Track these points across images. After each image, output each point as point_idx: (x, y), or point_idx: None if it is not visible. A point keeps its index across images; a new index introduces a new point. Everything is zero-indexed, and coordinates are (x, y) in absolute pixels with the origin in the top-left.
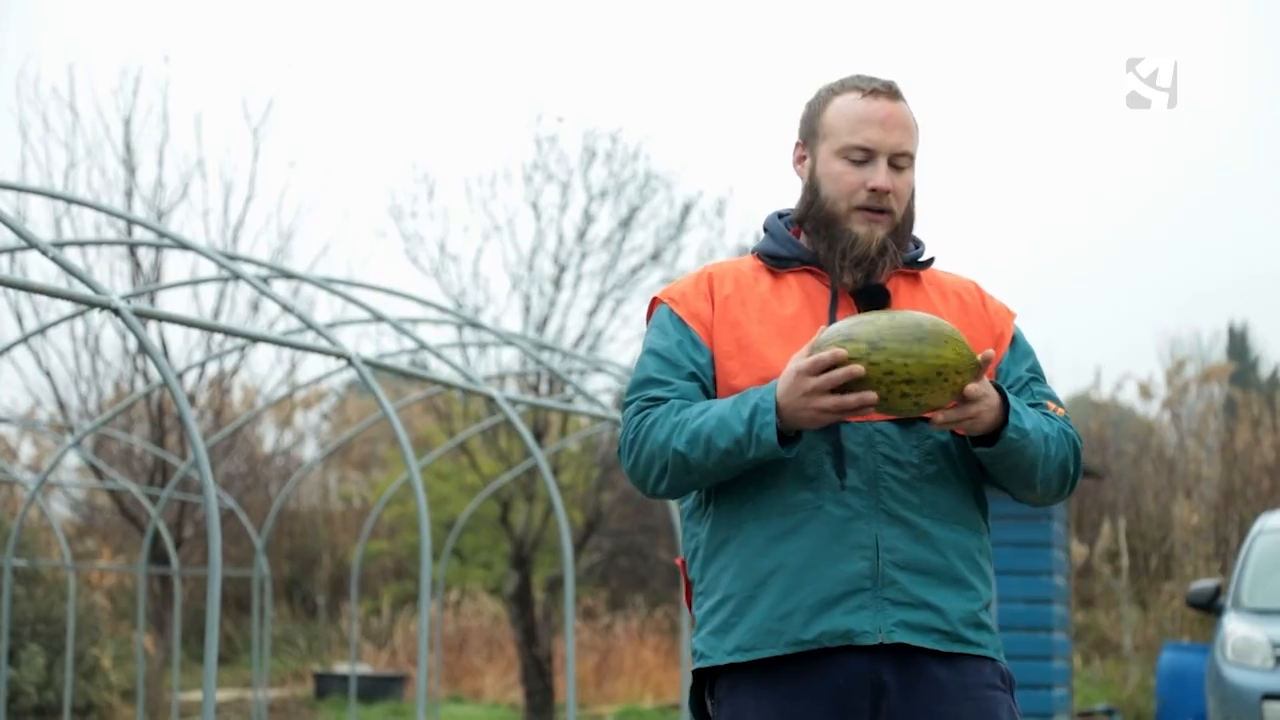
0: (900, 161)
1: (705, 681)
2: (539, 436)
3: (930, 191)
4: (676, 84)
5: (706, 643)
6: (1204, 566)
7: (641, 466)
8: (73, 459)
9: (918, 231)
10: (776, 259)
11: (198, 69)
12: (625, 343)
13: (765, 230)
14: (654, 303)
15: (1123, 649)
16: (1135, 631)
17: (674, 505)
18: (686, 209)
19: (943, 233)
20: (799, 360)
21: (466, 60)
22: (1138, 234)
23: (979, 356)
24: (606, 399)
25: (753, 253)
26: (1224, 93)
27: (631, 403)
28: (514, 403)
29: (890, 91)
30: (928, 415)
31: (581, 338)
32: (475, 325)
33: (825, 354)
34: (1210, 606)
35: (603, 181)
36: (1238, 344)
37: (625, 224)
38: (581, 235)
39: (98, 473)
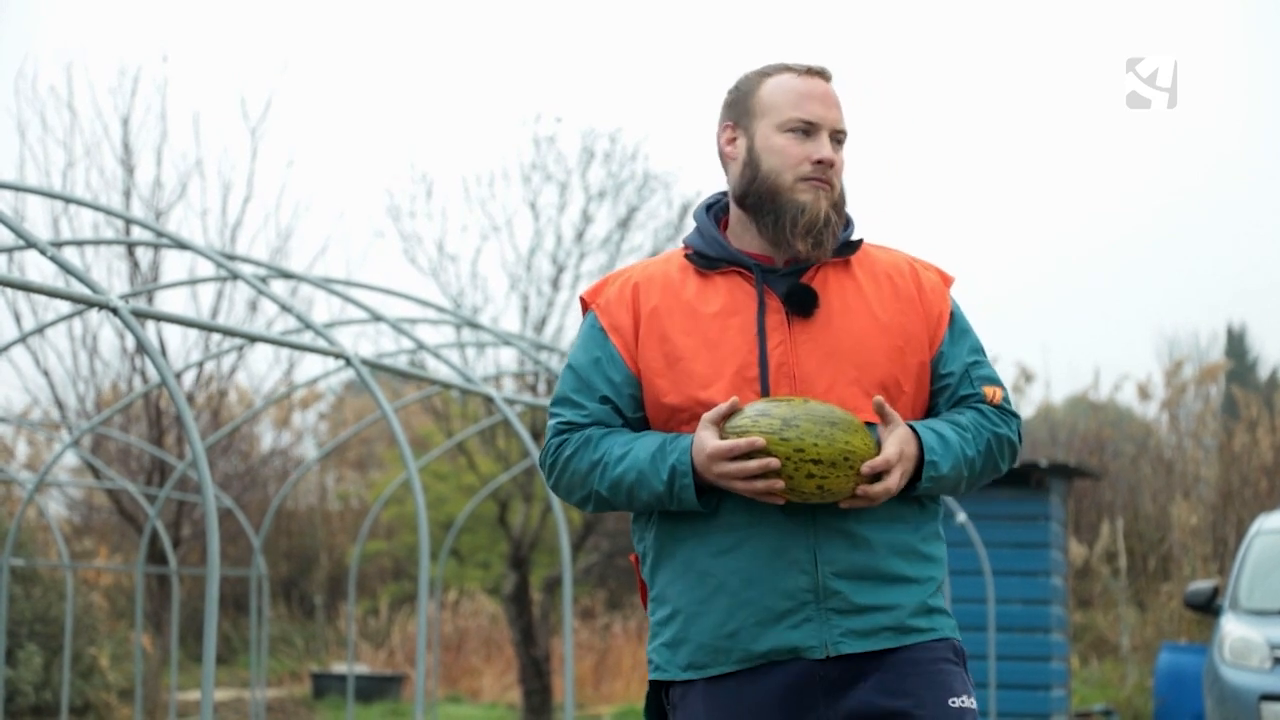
0: (838, 137)
1: (661, 688)
2: (537, 437)
3: (930, 191)
4: (675, 84)
5: (661, 654)
6: (1202, 567)
7: (563, 490)
8: (70, 458)
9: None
10: (705, 259)
11: (196, 69)
12: None
13: (695, 222)
14: (583, 301)
15: (1121, 650)
16: (1133, 632)
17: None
18: (685, 209)
19: (940, 232)
20: (712, 438)
21: (465, 60)
22: (1136, 235)
23: (874, 409)
24: None
25: (684, 244)
26: (1224, 93)
27: (552, 417)
28: (512, 403)
29: (824, 73)
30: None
31: None
32: (473, 325)
33: (741, 441)
34: (1208, 607)
35: (601, 182)
36: (1236, 345)
37: (624, 224)
38: (580, 235)
39: (95, 472)
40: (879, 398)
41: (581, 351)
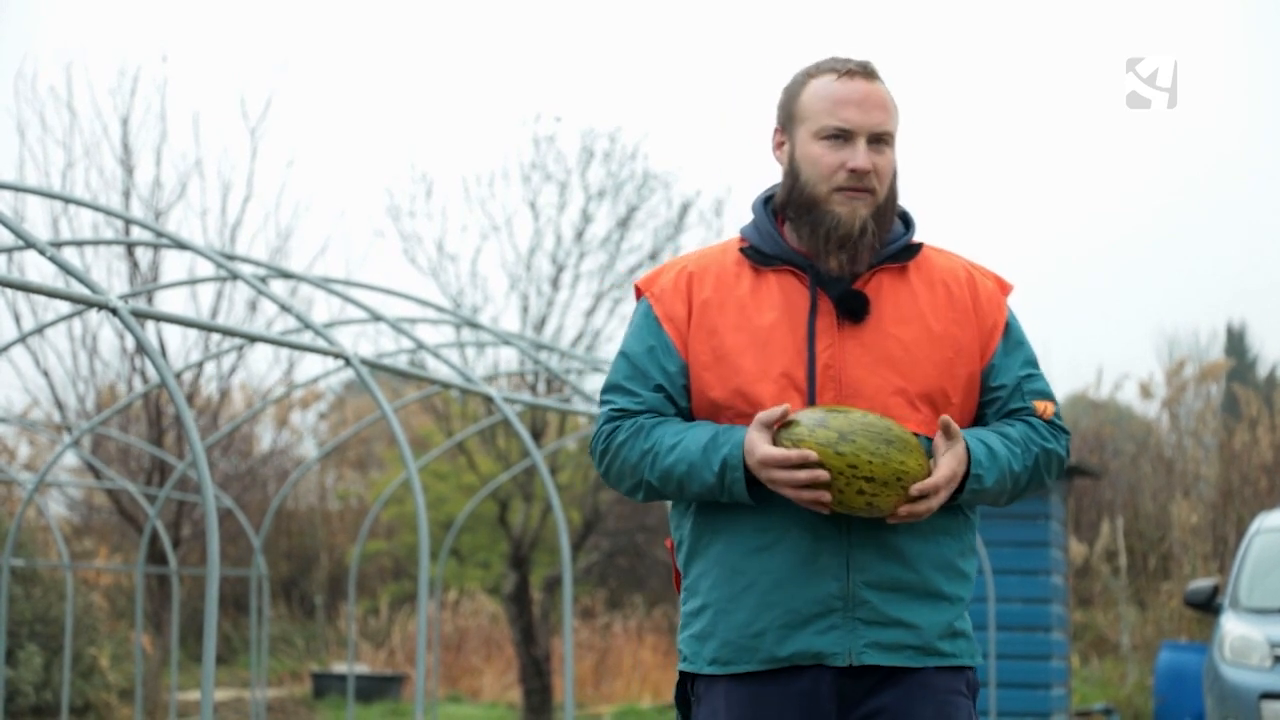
0: (882, 139)
1: (688, 679)
2: (537, 436)
3: (930, 191)
4: (674, 84)
5: (690, 645)
6: (1202, 566)
7: (613, 477)
8: (70, 458)
9: (909, 205)
10: (760, 255)
11: (195, 69)
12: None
13: (752, 214)
14: (637, 289)
15: (1121, 648)
16: (1133, 631)
17: (669, 504)
18: (684, 209)
19: (940, 233)
20: (764, 443)
21: (464, 59)
22: (1136, 235)
23: (939, 428)
24: None
25: (740, 236)
26: (1224, 93)
27: (604, 404)
28: (512, 402)
29: (866, 71)
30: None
31: (579, 337)
32: (473, 325)
33: (794, 453)
34: (1208, 606)
35: (601, 181)
36: (1235, 343)
37: (623, 224)
38: (579, 235)
39: (95, 472)
40: (947, 418)
41: (635, 339)
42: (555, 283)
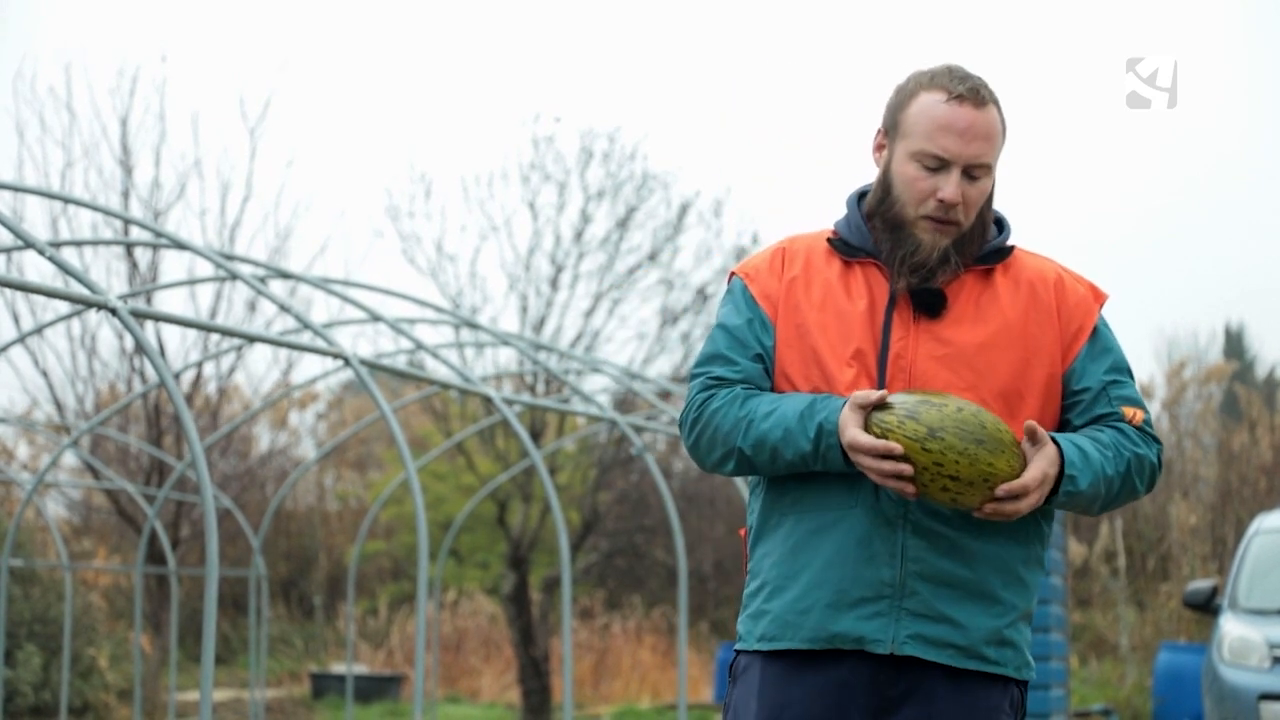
0: (976, 171)
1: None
2: (536, 437)
3: None
4: (674, 84)
5: (744, 625)
6: (1201, 567)
7: (702, 448)
8: (69, 459)
9: (1003, 209)
10: (847, 247)
11: (195, 69)
12: (622, 343)
13: (846, 208)
14: (731, 274)
15: (1120, 649)
16: (1132, 632)
17: (672, 508)
18: (684, 209)
19: None
20: (854, 425)
21: (464, 60)
22: (1136, 235)
23: (1024, 433)
24: (603, 399)
25: (832, 228)
26: (1224, 93)
27: (697, 377)
28: (511, 403)
29: (977, 98)
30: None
31: (579, 338)
32: (472, 325)
33: (879, 444)
34: (1207, 607)
35: (600, 182)
36: (1234, 344)
37: (622, 224)
38: (579, 235)
39: (94, 473)
40: (1032, 423)
41: (734, 313)
42: (554, 283)
